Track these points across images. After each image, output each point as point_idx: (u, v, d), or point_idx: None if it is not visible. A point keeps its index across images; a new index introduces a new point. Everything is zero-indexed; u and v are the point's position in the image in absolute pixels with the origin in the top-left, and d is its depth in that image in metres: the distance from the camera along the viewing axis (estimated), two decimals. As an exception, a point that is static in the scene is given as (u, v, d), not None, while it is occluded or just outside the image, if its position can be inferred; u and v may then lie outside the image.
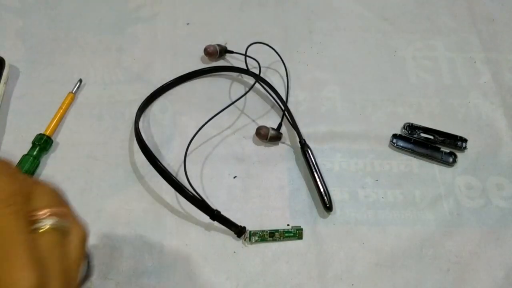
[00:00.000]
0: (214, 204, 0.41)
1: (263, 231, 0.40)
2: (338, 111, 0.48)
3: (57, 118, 0.45)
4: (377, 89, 0.50)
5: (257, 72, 0.48)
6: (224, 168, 0.44)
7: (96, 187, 0.42)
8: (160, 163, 0.38)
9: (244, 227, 0.40)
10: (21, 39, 0.51)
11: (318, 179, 0.42)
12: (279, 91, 0.48)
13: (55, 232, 0.21)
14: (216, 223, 0.39)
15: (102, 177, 0.43)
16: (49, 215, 0.21)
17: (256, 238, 0.40)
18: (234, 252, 0.40)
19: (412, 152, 0.45)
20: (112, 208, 0.41)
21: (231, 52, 0.51)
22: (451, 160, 0.45)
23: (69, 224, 0.22)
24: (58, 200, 0.22)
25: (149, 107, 0.47)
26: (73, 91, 0.47)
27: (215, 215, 0.38)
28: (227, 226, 0.39)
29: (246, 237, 0.40)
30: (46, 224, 0.21)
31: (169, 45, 0.52)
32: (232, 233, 0.40)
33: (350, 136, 0.47)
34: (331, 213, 0.42)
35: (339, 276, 0.39)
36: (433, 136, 0.46)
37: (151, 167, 0.39)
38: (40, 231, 0.20)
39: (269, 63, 0.51)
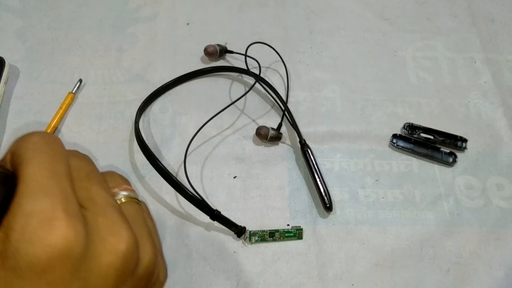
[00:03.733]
0: (214, 204, 0.41)
1: (263, 231, 0.40)
2: (338, 111, 0.48)
3: (57, 118, 0.45)
4: (377, 89, 0.50)
5: (257, 72, 0.48)
6: (224, 168, 0.44)
7: (96, 187, 0.42)
8: (160, 163, 0.38)
9: (244, 227, 0.40)
10: (21, 39, 0.51)
11: (318, 179, 0.42)
12: (279, 91, 0.48)
13: (133, 202, 0.23)
14: (216, 223, 0.39)
15: (102, 177, 0.43)
16: (123, 189, 0.23)
17: (256, 238, 0.40)
18: (234, 252, 0.40)
19: (412, 152, 0.45)
20: (112, 208, 0.41)
21: (231, 52, 0.51)
22: (451, 160, 0.45)
23: (138, 197, 0.24)
24: (124, 180, 0.24)
25: (149, 107, 0.47)
26: (73, 91, 0.47)
27: (215, 215, 0.38)
28: (227, 226, 0.39)
29: (246, 237, 0.40)
30: (123, 196, 0.23)
31: (169, 45, 0.52)
32: (232, 233, 0.40)
33: (350, 136, 0.47)
34: (331, 213, 0.42)
35: (339, 276, 0.39)
36: (433, 136, 0.46)
37: (151, 167, 0.39)
38: (119, 203, 0.22)
39: (269, 63, 0.51)
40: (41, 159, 0.18)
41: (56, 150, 0.20)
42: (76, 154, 0.22)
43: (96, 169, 0.22)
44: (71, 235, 0.17)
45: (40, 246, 0.16)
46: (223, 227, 0.39)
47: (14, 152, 0.19)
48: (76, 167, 0.21)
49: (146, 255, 0.21)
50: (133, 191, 0.24)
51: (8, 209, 0.17)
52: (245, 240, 0.40)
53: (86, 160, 0.22)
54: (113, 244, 0.19)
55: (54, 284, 0.17)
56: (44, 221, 0.16)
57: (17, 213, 0.17)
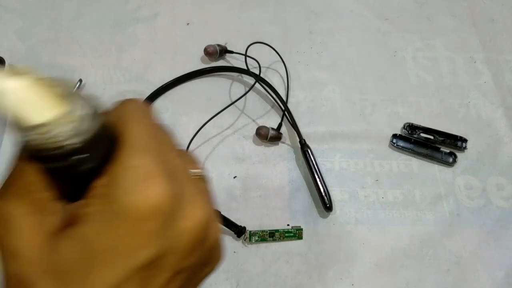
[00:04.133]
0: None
1: (263, 231, 0.40)
2: (338, 111, 0.48)
3: (57, 118, 0.45)
4: (377, 89, 0.50)
5: (257, 72, 0.48)
6: (224, 168, 0.44)
7: (96, 187, 0.42)
8: (160, 163, 0.38)
9: (244, 227, 0.40)
10: (21, 39, 0.51)
11: (318, 179, 0.42)
12: (279, 91, 0.48)
13: (203, 180, 0.24)
14: (216, 223, 0.39)
15: (102, 177, 0.43)
16: (195, 167, 0.24)
17: (256, 238, 0.40)
18: (234, 252, 0.40)
19: (412, 152, 0.45)
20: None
21: (231, 52, 0.51)
22: (451, 160, 0.45)
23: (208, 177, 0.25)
24: (195, 159, 0.25)
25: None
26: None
27: (215, 215, 0.38)
28: (227, 226, 0.39)
29: (246, 237, 0.40)
30: (197, 174, 0.23)
31: (169, 45, 0.52)
32: (232, 233, 0.40)
33: (350, 136, 0.47)
34: (331, 213, 0.42)
35: (339, 276, 0.39)
36: (433, 136, 0.46)
37: (151, 167, 0.39)
38: (193, 176, 0.23)
39: (269, 63, 0.51)
40: (143, 122, 0.20)
41: (152, 116, 0.21)
42: (162, 125, 0.23)
43: (176, 144, 0.23)
44: (166, 192, 0.18)
45: (139, 197, 0.17)
46: (223, 227, 0.39)
47: (116, 112, 0.21)
48: (164, 137, 0.22)
49: (214, 230, 0.22)
50: (203, 170, 0.25)
51: (112, 160, 0.19)
52: (245, 240, 0.40)
53: (170, 133, 0.23)
54: (193, 211, 0.20)
55: (143, 236, 0.18)
56: (145, 176, 0.18)
57: (124, 164, 0.18)
